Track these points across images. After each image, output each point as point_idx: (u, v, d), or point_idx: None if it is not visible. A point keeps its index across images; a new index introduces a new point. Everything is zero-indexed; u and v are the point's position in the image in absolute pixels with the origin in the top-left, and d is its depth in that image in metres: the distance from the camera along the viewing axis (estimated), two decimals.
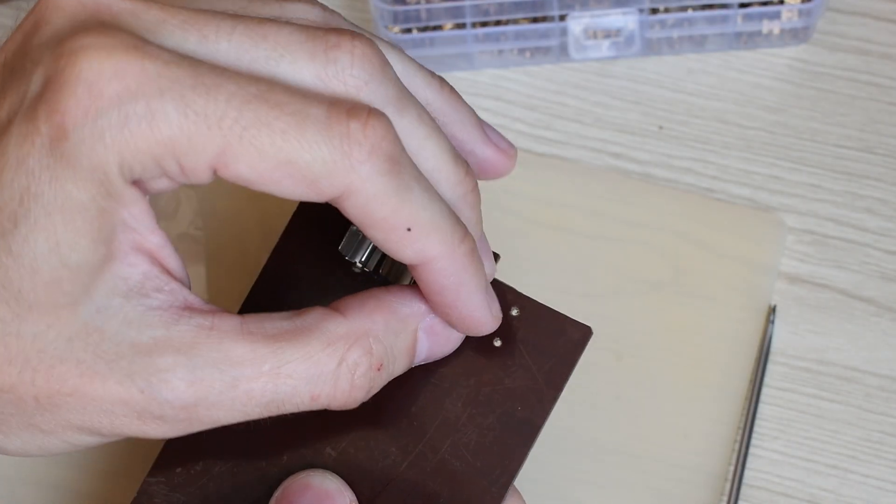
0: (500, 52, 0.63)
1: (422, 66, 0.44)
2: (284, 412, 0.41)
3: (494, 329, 0.43)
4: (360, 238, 0.44)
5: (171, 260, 0.40)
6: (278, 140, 0.38)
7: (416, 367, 0.44)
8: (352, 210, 0.40)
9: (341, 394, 0.41)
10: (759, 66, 0.64)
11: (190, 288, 0.41)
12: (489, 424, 0.43)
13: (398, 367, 0.42)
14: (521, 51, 0.63)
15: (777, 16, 0.62)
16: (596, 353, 0.57)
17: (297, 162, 0.39)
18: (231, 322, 0.40)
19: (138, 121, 0.38)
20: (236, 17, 0.40)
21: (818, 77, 0.63)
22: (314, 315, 0.41)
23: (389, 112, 0.40)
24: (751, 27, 0.63)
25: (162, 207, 0.60)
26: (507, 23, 0.62)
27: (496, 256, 0.45)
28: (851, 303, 0.59)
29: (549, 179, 0.61)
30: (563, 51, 0.63)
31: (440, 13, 0.61)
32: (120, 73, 0.38)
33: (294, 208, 0.47)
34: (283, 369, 0.40)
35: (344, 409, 0.41)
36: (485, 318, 0.43)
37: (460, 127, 0.45)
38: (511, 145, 0.47)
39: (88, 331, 0.39)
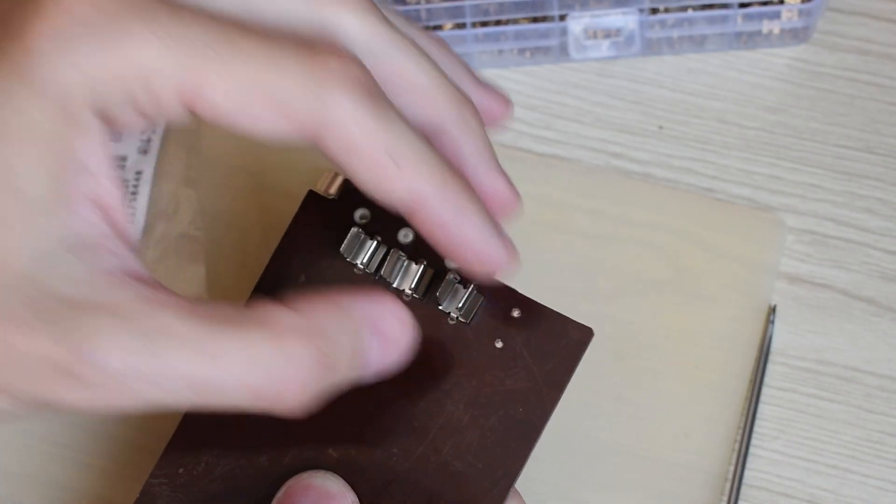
0: (500, 52, 0.63)
1: (415, 22, 0.43)
2: (222, 405, 0.38)
3: (512, 262, 0.42)
4: (362, 240, 0.45)
5: (124, 221, 0.39)
6: (254, 66, 0.37)
7: (416, 368, 0.44)
8: (333, 143, 0.38)
9: (283, 391, 0.38)
10: (759, 66, 0.64)
11: (136, 255, 0.39)
12: (491, 426, 0.44)
13: (346, 371, 0.39)
14: (521, 51, 0.63)
15: (777, 16, 0.62)
16: (596, 353, 0.57)
17: (273, 89, 0.38)
18: (175, 299, 0.38)
19: (110, 41, 0.36)
20: None
21: (818, 77, 0.63)
22: (263, 307, 0.38)
23: (378, 46, 0.40)
24: (751, 27, 0.63)
25: (162, 208, 0.60)
26: (507, 23, 0.62)
27: None
28: (851, 303, 0.59)
29: (549, 179, 0.61)
30: (563, 51, 0.63)
31: (440, 13, 0.61)
32: None
33: (294, 210, 0.47)
34: (220, 353, 0.37)
35: (287, 413, 0.38)
36: (495, 246, 0.41)
37: (453, 72, 0.44)
38: (506, 95, 0.46)
39: (27, 280, 0.37)
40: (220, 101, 0.37)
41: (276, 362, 0.37)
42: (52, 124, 0.36)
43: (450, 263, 0.45)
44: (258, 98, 0.38)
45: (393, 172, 0.39)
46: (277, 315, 0.38)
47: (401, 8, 0.61)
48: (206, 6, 0.39)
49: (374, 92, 0.39)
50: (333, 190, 0.46)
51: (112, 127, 0.38)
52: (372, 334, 0.40)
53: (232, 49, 0.37)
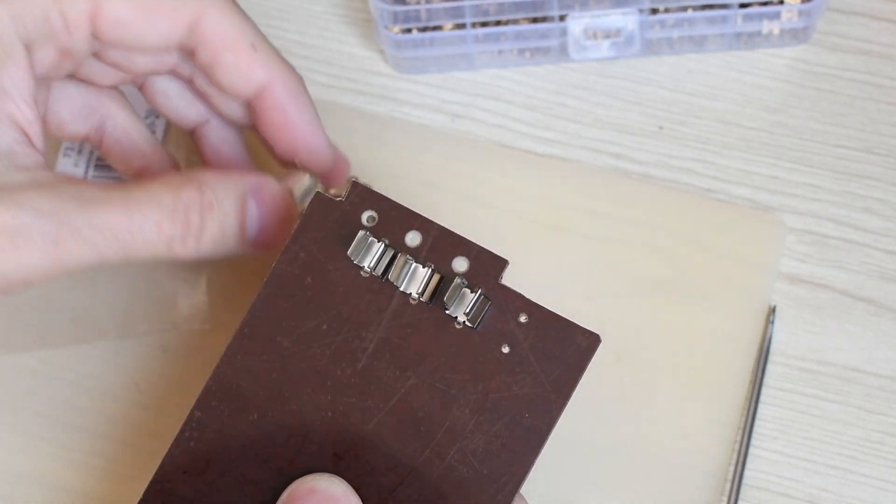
0: (500, 52, 0.63)
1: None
2: (139, 254, 0.46)
3: (330, 159, 0.53)
4: (369, 243, 0.44)
5: (39, 139, 0.47)
6: None
7: (423, 372, 0.44)
8: (208, 32, 0.48)
9: (181, 226, 0.46)
10: (759, 67, 0.64)
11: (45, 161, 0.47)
12: (496, 431, 0.43)
13: (229, 220, 0.48)
14: (521, 51, 0.63)
15: (777, 16, 0.62)
16: (596, 354, 0.57)
17: None
18: (85, 179, 0.48)
19: None
20: None
21: (818, 77, 0.63)
22: (159, 175, 0.51)
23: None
24: (751, 27, 0.62)
25: None
26: (507, 23, 0.62)
27: (504, 262, 0.45)
28: (851, 303, 0.59)
29: (549, 179, 0.61)
30: (562, 51, 0.63)
31: (440, 13, 0.61)
32: None
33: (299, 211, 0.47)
34: (131, 202, 0.46)
35: (185, 250, 0.46)
36: (322, 139, 0.52)
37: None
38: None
39: None
40: (122, 15, 0.47)
41: (171, 201, 0.46)
42: None
43: (458, 266, 0.45)
44: (153, 6, 0.48)
45: (253, 56, 0.50)
46: (168, 174, 0.50)
47: (401, 8, 0.61)
48: None
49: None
50: (341, 192, 0.46)
51: (35, 57, 0.47)
52: (252, 196, 0.48)
53: None
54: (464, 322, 0.44)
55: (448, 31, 0.62)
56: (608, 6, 0.61)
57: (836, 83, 0.63)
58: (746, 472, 0.56)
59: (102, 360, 0.58)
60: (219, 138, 0.55)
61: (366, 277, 0.45)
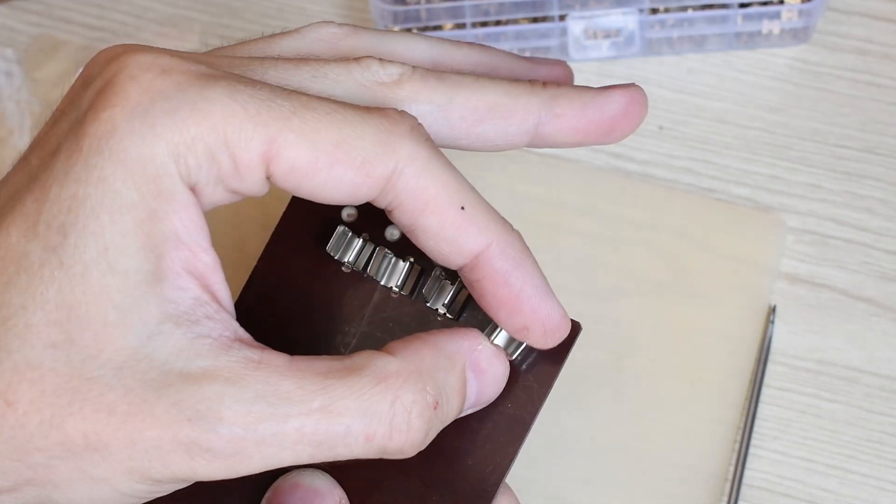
0: None
1: (446, 40, 0.45)
2: (338, 456, 0.39)
3: (567, 329, 0.42)
4: (349, 238, 0.45)
5: (221, 287, 0.39)
6: (326, 123, 0.38)
7: None
8: (404, 192, 0.39)
9: (398, 434, 0.39)
10: (759, 66, 0.64)
11: (233, 318, 0.40)
12: (478, 422, 0.43)
13: (452, 408, 0.41)
14: (521, 51, 0.63)
15: (777, 16, 0.62)
16: (596, 354, 0.57)
17: (347, 143, 0.38)
18: (280, 358, 0.38)
19: (189, 108, 0.37)
20: (273, 58, 0.41)
21: (818, 77, 0.63)
22: (363, 355, 0.39)
23: (430, 90, 0.42)
24: (751, 27, 0.63)
25: None
26: (507, 23, 0.62)
27: None
28: (851, 303, 0.59)
29: (549, 179, 0.61)
30: (563, 51, 0.63)
31: (440, 13, 0.61)
32: (168, 70, 0.37)
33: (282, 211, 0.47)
34: (334, 406, 0.38)
35: (401, 455, 0.39)
36: (556, 309, 0.42)
37: (506, 64, 0.45)
38: (561, 62, 0.47)
39: (138, 358, 0.37)
40: (295, 159, 0.38)
41: (388, 408, 0.38)
42: (142, 198, 0.37)
43: (437, 268, 0.45)
44: (333, 155, 0.38)
45: (461, 218, 0.40)
46: (378, 360, 0.39)
47: (401, 8, 0.60)
48: (279, 83, 0.40)
49: (434, 143, 0.40)
50: None
51: (202, 199, 0.38)
52: (470, 370, 0.41)
53: (304, 107, 0.38)
54: (444, 314, 0.44)
55: (448, 31, 0.62)
56: (608, 6, 0.61)
57: (836, 83, 0.63)
58: (746, 472, 0.56)
59: None
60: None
61: (346, 273, 0.45)
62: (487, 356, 0.42)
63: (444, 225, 0.40)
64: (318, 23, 0.44)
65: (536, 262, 0.42)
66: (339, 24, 0.44)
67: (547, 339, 0.42)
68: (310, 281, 0.45)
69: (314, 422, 0.38)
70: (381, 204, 0.40)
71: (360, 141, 0.38)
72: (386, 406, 0.38)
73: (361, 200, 0.40)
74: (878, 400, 0.57)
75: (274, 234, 0.45)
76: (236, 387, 0.37)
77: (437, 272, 0.44)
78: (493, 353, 0.42)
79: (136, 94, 0.37)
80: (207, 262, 0.38)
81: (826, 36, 0.64)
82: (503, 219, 0.41)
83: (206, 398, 0.37)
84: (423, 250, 0.41)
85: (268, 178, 0.39)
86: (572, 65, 0.62)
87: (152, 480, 0.38)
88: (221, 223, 0.60)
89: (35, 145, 0.39)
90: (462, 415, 0.42)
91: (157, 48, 0.39)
